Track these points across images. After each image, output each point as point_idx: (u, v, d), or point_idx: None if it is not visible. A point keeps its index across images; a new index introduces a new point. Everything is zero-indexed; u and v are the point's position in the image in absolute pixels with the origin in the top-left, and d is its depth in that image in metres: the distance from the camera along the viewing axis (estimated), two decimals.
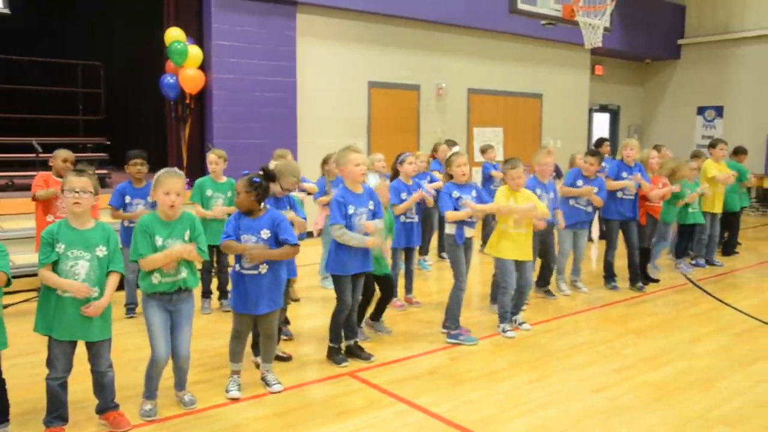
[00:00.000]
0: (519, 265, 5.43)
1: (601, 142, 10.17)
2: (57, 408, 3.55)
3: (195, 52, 9.02)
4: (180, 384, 3.99)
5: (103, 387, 3.65)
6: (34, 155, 7.33)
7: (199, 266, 3.94)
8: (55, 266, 3.45)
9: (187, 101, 9.22)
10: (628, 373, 4.62)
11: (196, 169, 9.45)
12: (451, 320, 5.30)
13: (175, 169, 3.92)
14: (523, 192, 5.46)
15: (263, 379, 4.26)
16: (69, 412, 3.63)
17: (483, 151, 9.26)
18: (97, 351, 3.59)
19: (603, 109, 16.37)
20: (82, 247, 3.48)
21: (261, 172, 4.06)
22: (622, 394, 4.24)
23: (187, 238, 3.77)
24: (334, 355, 4.73)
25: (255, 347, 4.55)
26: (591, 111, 15.42)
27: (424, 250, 8.15)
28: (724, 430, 3.75)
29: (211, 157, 6.12)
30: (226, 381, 4.22)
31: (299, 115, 10.06)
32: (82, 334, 3.52)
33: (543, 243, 6.40)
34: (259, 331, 4.25)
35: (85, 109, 10.81)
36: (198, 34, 9.31)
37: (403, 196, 5.84)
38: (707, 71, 15.67)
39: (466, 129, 12.47)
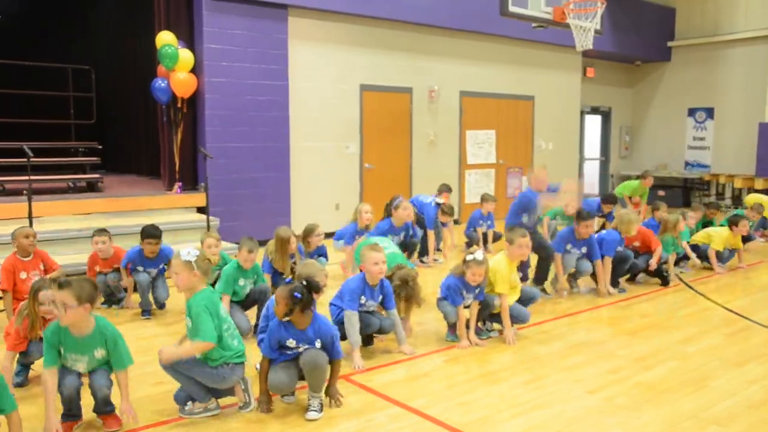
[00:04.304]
0: None
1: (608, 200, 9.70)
2: (69, 408, 3.67)
3: (186, 55, 9.00)
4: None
5: (96, 399, 3.74)
6: (24, 160, 7.32)
7: None
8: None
9: (179, 105, 9.19)
10: (622, 373, 4.64)
11: (188, 173, 9.44)
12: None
13: None
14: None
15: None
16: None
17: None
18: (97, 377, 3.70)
19: (594, 110, 16.43)
20: (79, 352, 3.60)
21: (305, 283, 3.90)
22: (616, 394, 4.26)
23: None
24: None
25: None
26: (582, 113, 15.48)
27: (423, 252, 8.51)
28: (717, 429, 3.77)
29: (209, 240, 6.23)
30: None
31: (292, 118, 10.05)
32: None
33: (537, 241, 6.47)
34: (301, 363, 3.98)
35: (76, 114, 10.79)
36: (189, 38, 9.29)
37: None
38: (697, 73, 15.75)
39: (459, 131, 12.49)
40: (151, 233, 6.07)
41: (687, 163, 16.11)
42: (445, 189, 9.34)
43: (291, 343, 3.91)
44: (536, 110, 13.92)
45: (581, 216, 6.67)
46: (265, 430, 3.75)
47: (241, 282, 5.48)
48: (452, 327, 5.31)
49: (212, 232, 6.84)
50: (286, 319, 3.88)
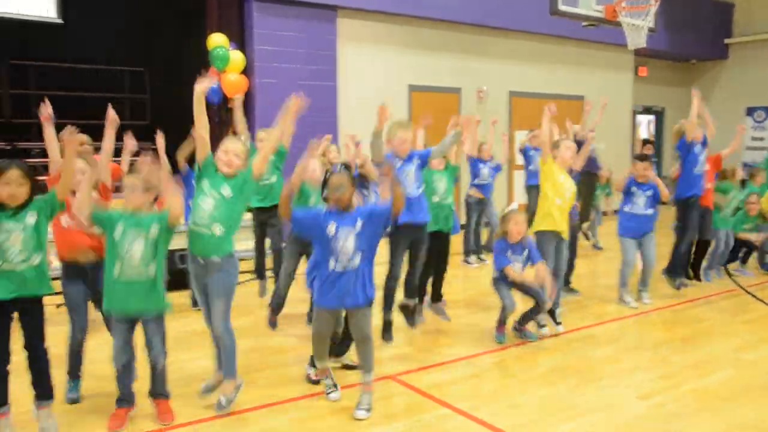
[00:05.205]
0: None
1: (645, 142, 10.10)
2: (122, 390, 3.74)
3: (237, 57, 9.14)
4: (225, 372, 3.94)
5: (154, 375, 3.80)
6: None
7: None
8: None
9: (230, 106, 9.34)
10: (675, 380, 4.52)
11: None
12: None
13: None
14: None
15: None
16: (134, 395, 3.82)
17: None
18: (150, 340, 3.72)
19: (647, 110, 16.06)
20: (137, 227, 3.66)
21: (342, 166, 4.05)
22: (669, 401, 4.15)
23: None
24: (384, 332, 4.92)
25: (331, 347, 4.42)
26: (634, 113, 15.16)
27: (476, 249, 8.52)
28: None
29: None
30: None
31: (340, 119, 10.11)
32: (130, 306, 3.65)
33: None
34: (353, 334, 4.05)
35: (132, 115, 11.08)
36: (240, 40, 9.43)
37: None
38: (757, 71, 15.24)
39: (508, 132, 12.36)
40: None
41: (745, 164, 15.59)
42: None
43: (331, 228, 3.78)
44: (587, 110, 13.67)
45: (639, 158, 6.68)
46: (313, 428, 3.78)
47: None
48: (501, 326, 5.28)
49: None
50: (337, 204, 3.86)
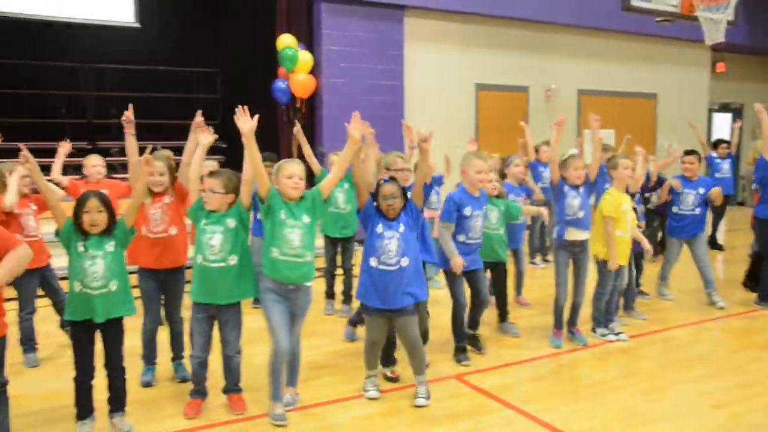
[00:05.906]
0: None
1: (719, 142, 9.71)
2: (197, 383, 3.93)
3: (305, 57, 9.28)
4: (289, 380, 4.06)
5: (229, 370, 3.96)
6: None
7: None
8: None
9: (298, 105, 9.50)
10: (754, 389, 4.34)
11: (307, 172, 9.72)
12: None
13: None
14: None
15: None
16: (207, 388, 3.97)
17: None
18: (227, 335, 3.90)
19: (724, 108, 15.44)
20: (217, 224, 3.82)
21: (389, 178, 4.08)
22: (747, 411, 3.99)
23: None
24: (457, 354, 4.83)
25: (384, 358, 4.45)
26: (710, 111, 14.60)
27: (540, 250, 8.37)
28: None
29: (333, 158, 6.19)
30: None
31: (407, 118, 10.11)
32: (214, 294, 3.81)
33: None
34: (399, 341, 4.17)
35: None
36: (309, 40, 9.58)
37: (511, 198, 5.78)
38: None
39: (576, 131, 12.12)
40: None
41: None
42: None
43: (379, 228, 3.92)
44: (659, 109, 13.28)
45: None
46: (376, 426, 3.81)
47: None
48: (558, 329, 5.23)
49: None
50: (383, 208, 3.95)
